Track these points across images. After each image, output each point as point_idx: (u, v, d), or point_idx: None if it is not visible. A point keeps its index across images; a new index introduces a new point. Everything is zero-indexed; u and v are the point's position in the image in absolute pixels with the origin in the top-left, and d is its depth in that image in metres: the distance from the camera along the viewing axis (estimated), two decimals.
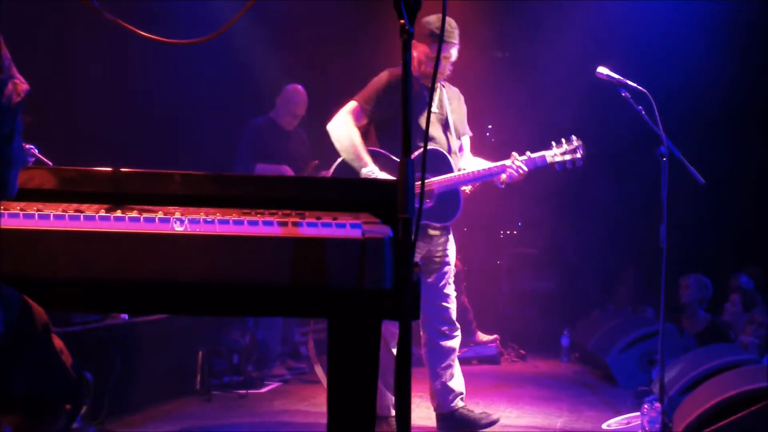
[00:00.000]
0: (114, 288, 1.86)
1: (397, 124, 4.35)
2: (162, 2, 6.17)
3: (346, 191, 2.13)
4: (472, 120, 4.64)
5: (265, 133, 6.43)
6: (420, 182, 1.90)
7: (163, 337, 5.19)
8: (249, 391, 5.45)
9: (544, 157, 4.31)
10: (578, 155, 4.34)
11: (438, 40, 4.16)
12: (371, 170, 4.20)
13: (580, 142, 4.36)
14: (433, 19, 4.28)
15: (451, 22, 4.26)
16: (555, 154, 4.32)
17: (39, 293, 1.74)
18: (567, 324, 7.19)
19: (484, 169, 4.30)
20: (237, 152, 6.48)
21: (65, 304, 1.90)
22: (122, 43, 5.06)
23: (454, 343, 4.40)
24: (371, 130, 4.40)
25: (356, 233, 1.83)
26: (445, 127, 4.37)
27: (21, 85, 1.55)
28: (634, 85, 4.29)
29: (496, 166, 4.29)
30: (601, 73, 4.33)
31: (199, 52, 6.05)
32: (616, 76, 4.32)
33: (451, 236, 4.44)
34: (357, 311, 1.88)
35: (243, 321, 6.13)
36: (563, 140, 4.36)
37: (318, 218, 1.89)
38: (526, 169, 4.24)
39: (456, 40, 4.29)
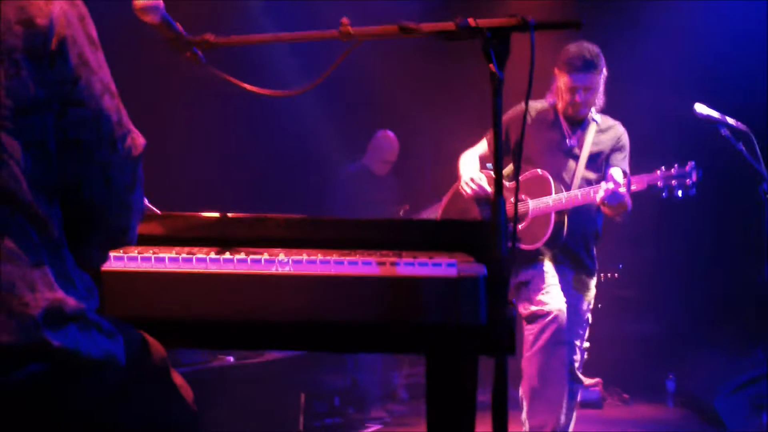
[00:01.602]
0: (223, 326, 1.97)
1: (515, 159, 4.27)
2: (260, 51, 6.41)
3: (442, 231, 2.19)
4: None
5: (356, 180, 6.58)
6: (514, 204, 1.94)
7: (266, 379, 5.31)
8: None
9: (644, 178, 4.07)
10: (688, 181, 4.00)
11: (572, 70, 4.18)
12: (465, 177, 4.31)
13: (693, 165, 4.03)
14: (571, 48, 4.23)
15: (589, 50, 4.19)
16: (659, 176, 4.05)
17: (155, 331, 1.85)
18: (671, 367, 7.02)
19: (576, 193, 4.14)
20: (334, 199, 6.64)
21: (179, 341, 2.01)
22: (219, 90, 5.26)
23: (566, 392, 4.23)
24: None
25: (451, 272, 1.89)
26: (571, 156, 4.30)
27: (138, 138, 1.66)
28: (734, 122, 4.22)
29: (588, 189, 4.12)
30: (700, 112, 4.29)
31: (297, 98, 6.24)
32: (715, 114, 4.26)
33: (592, 281, 4.34)
34: (453, 347, 1.94)
35: (343, 364, 6.23)
36: (676, 164, 4.08)
37: (414, 258, 1.96)
38: (612, 187, 3.96)
39: (592, 69, 4.18)
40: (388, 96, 7.53)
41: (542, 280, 4.18)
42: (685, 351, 7.31)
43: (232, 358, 5.17)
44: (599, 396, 6.86)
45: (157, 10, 2.02)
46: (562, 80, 4.23)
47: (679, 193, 4.02)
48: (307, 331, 1.96)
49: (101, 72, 1.60)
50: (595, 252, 4.38)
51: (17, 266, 1.42)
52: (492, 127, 1.87)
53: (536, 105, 4.40)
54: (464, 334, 1.90)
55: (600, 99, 4.30)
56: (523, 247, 4.18)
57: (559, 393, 4.12)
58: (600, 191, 4.01)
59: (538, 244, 4.18)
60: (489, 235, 1.86)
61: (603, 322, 7.92)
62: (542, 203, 4.16)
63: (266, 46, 6.50)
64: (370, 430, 5.77)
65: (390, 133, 6.68)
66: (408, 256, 1.99)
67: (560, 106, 4.30)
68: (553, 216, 4.16)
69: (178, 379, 1.86)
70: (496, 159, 1.85)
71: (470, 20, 1.87)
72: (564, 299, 4.18)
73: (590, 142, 4.27)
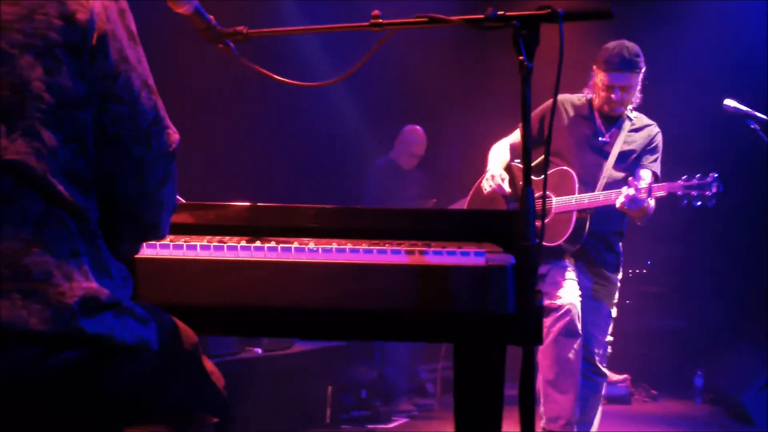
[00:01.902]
0: (253, 313, 1.99)
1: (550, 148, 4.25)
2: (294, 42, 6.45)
3: (470, 222, 2.21)
4: None
5: (384, 174, 6.61)
6: (542, 200, 1.96)
7: (293, 371, 5.36)
8: (378, 426, 5.55)
9: (666, 185, 4.05)
10: (707, 192, 3.99)
11: (609, 68, 4.16)
12: (488, 173, 4.29)
13: (714, 177, 4.02)
14: (611, 46, 4.21)
15: (628, 49, 4.17)
16: (680, 185, 4.02)
17: (187, 318, 1.88)
18: (699, 363, 6.99)
19: (598, 195, 4.13)
20: (361, 192, 6.67)
21: (210, 328, 2.05)
22: (250, 80, 5.30)
23: (590, 386, 4.27)
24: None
25: (480, 261, 1.90)
26: (601, 153, 4.29)
27: (173, 135, 1.67)
28: (764, 116, 4.21)
29: (610, 192, 4.10)
30: (729, 106, 4.27)
31: (325, 90, 6.32)
32: (744, 108, 4.24)
33: (615, 276, 4.34)
34: (481, 336, 1.95)
35: (370, 357, 6.26)
36: (698, 175, 4.05)
37: (443, 247, 1.98)
38: (633, 193, 3.95)
39: (631, 69, 4.16)
40: (417, 90, 7.54)
41: (558, 274, 4.20)
42: (713, 347, 7.28)
43: (260, 350, 5.21)
44: (627, 392, 6.85)
45: (190, 0, 2.05)
46: (600, 77, 4.22)
47: (698, 203, 4.01)
48: (336, 318, 1.98)
49: (140, 68, 1.62)
50: (620, 248, 4.37)
51: (54, 256, 1.44)
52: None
53: (573, 99, 4.39)
54: (492, 323, 1.91)
55: (637, 97, 4.28)
56: (543, 243, 4.17)
57: (572, 384, 4.14)
58: (621, 196, 4.00)
59: (558, 242, 4.19)
60: (517, 226, 1.87)
61: (631, 318, 7.93)
62: (564, 201, 4.17)
63: (298, 42, 6.56)
64: (396, 423, 5.79)
65: (418, 128, 6.70)
66: (437, 246, 2.01)
67: (596, 102, 4.30)
68: (574, 215, 4.17)
69: (209, 365, 1.88)
70: (525, 149, 1.86)
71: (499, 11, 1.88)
72: (578, 293, 4.20)
73: (622, 140, 4.26)
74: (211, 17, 2.14)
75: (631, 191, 3.96)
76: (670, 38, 6.98)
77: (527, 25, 1.86)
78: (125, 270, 1.61)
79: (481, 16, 1.92)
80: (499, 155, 4.45)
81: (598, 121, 4.31)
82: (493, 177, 4.25)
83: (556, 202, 4.20)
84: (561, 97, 4.38)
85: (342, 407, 5.71)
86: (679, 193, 4.02)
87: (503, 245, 2.06)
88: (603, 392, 4.37)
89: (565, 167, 4.24)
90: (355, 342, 6.24)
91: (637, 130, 4.32)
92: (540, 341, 1.92)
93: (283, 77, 2.30)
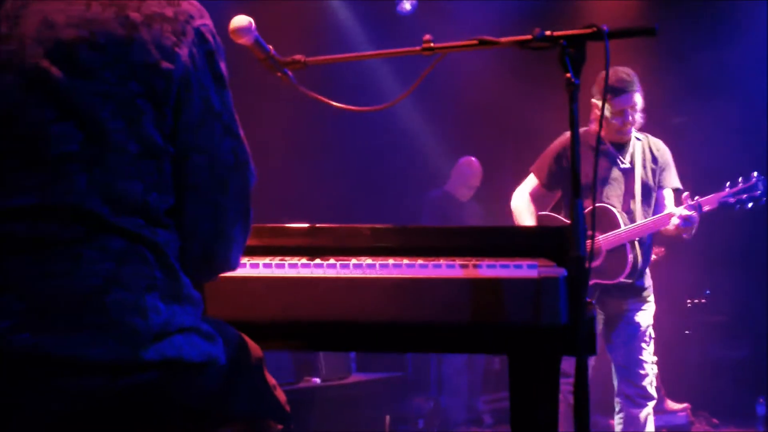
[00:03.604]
0: (313, 327, 2.07)
1: (569, 187, 4.29)
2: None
3: (522, 238, 2.26)
4: None
5: (441, 206, 6.66)
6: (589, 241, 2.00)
7: (351, 401, 5.40)
8: None
9: (714, 197, 4.03)
10: (757, 192, 3.99)
11: (617, 93, 4.17)
12: None
13: (758, 176, 4.01)
14: (610, 74, 4.07)
15: (626, 72, 4.22)
16: (728, 193, 4.02)
17: (249, 332, 1.96)
18: (761, 391, 6.85)
19: (648, 221, 4.13)
20: (418, 224, 6.74)
21: (270, 341, 2.11)
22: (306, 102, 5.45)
23: (641, 412, 4.26)
24: (558, 196, 4.46)
25: (532, 273, 1.96)
26: (625, 180, 4.28)
27: (251, 177, 1.71)
28: None
29: (661, 216, 4.09)
30: None
31: (380, 119, 6.46)
32: None
33: (647, 297, 4.32)
34: (535, 347, 2.00)
35: (427, 387, 6.27)
36: (740, 178, 4.06)
37: (496, 261, 2.03)
38: (687, 213, 3.96)
39: (634, 88, 4.20)
40: (473, 121, 7.60)
41: None
42: None
43: (318, 380, 5.27)
44: (687, 421, 6.74)
45: (250, 32, 2.14)
46: (606, 107, 4.19)
47: (750, 204, 4.02)
48: (393, 331, 2.05)
49: (225, 113, 1.64)
50: (647, 270, 4.34)
51: (131, 293, 1.49)
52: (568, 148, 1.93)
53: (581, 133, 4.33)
54: (546, 334, 1.96)
55: (640, 117, 4.29)
56: (604, 282, 4.17)
57: None
58: (674, 218, 3.99)
59: (621, 278, 4.18)
60: (568, 239, 1.92)
61: (691, 347, 7.81)
62: (613, 236, 4.15)
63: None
64: None
65: (473, 159, 6.75)
66: (490, 260, 2.06)
67: (604, 132, 4.27)
68: (628, 247, 4.15)
69: (271, 380, 1.94)
70: (573, 160, 1.92)
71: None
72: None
73: (640, 161, 4.25)
74: (270, 47, 2.22)
75: (684, 211, 3.96)
76: (715, 51, 6.96)
77: (573, 43, 1.92)
78: (199, 297, 1.65)
79: (529, 36, 1.99)
80: (528, 210, 4.43)
81: (612, 149, 4.28)
82: None
83: (604, 238, 4.15)
84: (566, 135, 4.33)
85: None
86: (730, 200, 4.01)
87: (556, 260, 2.10)
88: (651, 412, 4.33)
89: (600, 204, 4.21)
90: (412, 372, 6.27)
91: (649, 149, 4.32)
92: (594, 351, 1.96)
93: (344, 95, 2.36)
